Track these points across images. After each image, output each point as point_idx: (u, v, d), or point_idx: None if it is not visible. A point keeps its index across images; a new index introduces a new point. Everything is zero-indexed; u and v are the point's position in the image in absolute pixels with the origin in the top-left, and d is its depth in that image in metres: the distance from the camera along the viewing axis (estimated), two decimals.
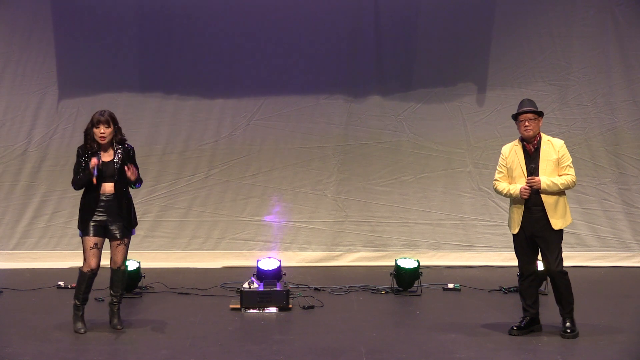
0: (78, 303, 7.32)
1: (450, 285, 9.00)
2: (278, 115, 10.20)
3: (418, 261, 8.83)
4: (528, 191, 7.12)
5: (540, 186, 7.10)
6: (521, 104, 7.26)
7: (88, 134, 7.28)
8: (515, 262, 9.37)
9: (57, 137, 10.06)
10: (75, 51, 10.02)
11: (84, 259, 7.26)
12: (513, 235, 7.32)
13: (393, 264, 8.92)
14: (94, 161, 7.13)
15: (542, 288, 8.13)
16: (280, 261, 8.97)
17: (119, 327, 7.39)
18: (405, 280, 8.76)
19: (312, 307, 8.21)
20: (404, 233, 10.20)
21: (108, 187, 7.24)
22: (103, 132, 7.19)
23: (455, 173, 10.23)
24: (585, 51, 10.10)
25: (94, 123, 7.22)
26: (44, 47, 9.99)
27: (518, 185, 7.18)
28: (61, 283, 8.94)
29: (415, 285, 8.77)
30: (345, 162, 10.23)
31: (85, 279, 7.27)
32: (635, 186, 10.20)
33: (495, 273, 9.74)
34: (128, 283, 8.55)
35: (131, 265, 8.63)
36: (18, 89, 10.02)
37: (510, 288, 8.82)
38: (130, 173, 7.22)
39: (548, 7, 10.06)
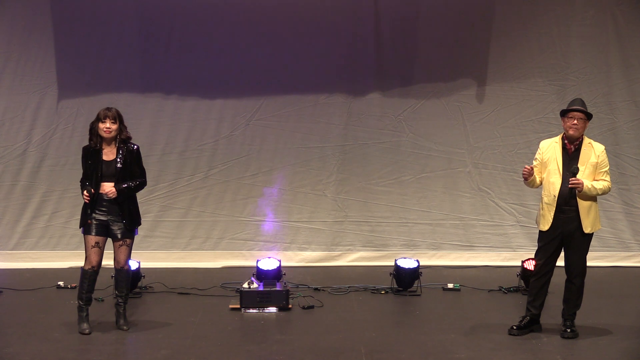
0: (82, 303, 7.31)
1: (450, 285, 9.00)
2: (277, 115, 10.19)
3: (418, 261, 8.84)
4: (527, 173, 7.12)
5: (582, 189, 7.03)
6: (573, 102, 7.18)
7: (93, 129, 7.30)
8: (515, 262, 9.52)
9: (56, 137, 10.05)
10: (75, 51, 10.00)
11: (85, 257, 7.27)
12: (541, 231, 7.24)
13: (393, 263, 8.93)
14: (86, 196, 7.20)
15: None
16: (280, 261, 8.98)
17: (125, 327, 7.38)
18: (405, 280, 8.77)
19: (311, 307, 8.21)
20: (403, 233, 10.19)
21: (107, 187, 7.24)
22: (109, 126, 7.22)
23: (455, 173, 10.22)
24: (584, 51, 10.10)
25: (100, 118, 7.24)
26: (43, 47, 9.97)
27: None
28: (61, 283, 8.93)
29: (415, 285, 8.78)
30: (345, 162, 10.22)
31: (87, 276, 7.25)
32: (635, 186, 10.20)
33: (495, 273, 9.74)
34: None
35: (131, 266, 8.62)
36: (18, 89, 10.01)
37: (510, 288, 8.83)
38: (111, 194, 7.23)
39: (548, 7, 10.05)
